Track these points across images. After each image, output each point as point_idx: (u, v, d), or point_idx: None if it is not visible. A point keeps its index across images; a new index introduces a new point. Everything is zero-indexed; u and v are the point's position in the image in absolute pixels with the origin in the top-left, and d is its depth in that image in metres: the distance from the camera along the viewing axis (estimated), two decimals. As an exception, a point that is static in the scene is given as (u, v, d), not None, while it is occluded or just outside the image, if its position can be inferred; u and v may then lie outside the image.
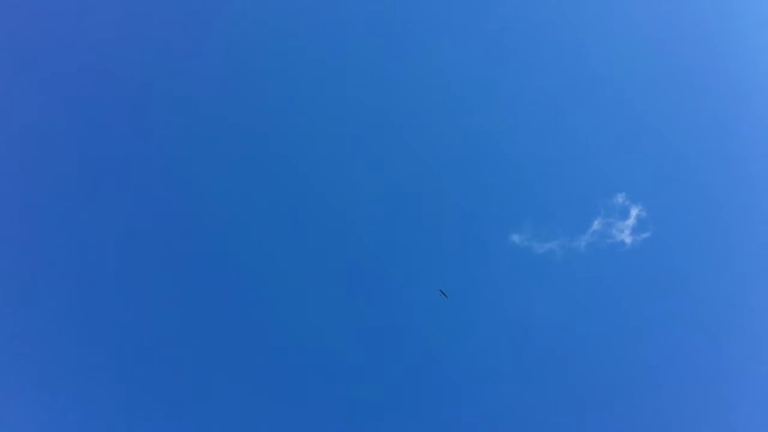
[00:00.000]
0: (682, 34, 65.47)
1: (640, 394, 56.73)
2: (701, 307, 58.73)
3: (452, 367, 58.44)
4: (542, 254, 61.04)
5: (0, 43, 60.40)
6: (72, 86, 61.66)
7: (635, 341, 58.49)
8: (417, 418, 55.94)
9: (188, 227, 61.04)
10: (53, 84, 61.26)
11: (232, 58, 65.56)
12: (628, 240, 60.44)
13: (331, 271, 61.49)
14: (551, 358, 58.48)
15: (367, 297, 60.77)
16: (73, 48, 62.15)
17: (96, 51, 62.50)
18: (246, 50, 66.15)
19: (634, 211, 60.82)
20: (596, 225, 61.13)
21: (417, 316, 60.12)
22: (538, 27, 67.61)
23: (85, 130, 61.37)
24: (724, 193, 61.78)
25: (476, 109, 66.63)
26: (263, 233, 62.53)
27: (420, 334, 59.52)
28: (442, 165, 66.21)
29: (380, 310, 60.14)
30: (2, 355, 53.24)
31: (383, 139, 66.56)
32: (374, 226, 63.44)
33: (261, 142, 64.91)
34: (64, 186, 59.85)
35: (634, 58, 66.02)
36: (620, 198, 61.38)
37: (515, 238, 61.67)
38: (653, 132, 64.12)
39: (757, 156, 61.13)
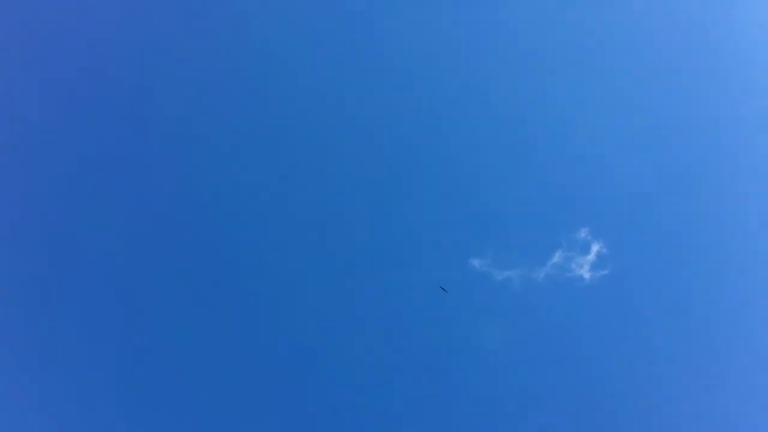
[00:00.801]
0: (648, 67, 60.77)
1: (592, 429, 57.92)
2: (652, 352, 58.48)
3: (403, 392, 59.97)
4: (500, 281, 61.47)
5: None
6: (71, 86, 63.53)
7: (585, 376, 59.28)
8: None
9: (187, 227, 63.01)
10: (52, 84, 63.25)
11: (231, 58, 65.94)
12: (586, 275, 59.80)
13: (282, 290, 62.88)
14: (501, 384, 60.07)
15: (325, 318, 62.20)
16: (72, 48, 63.75)
17: (95, 51, 63.84)
18: (245, 51, 66.48)
19: (595, 248, 59.78)
20: (557, 257, 60.52)
21: (371, 338, 62.03)
22: (505, 57, 64.01)
23: (85, 131, 63.36)
24: (688, 238, 59.65)
25: (443, 133, 65.36)
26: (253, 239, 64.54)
27: (372, 357, 61.05)
28: (408, 185, 66.43)
29: (335, 332, 61.84)
30: (2, 355, 58.08)
31: (348, 159, 66.64)
32: (333, 245, 64.36)
33: (256, 143, 66.15)
34: (64, 186, 62.41)
35: (603, 91, 62.20)
36: (583, 233, 60.16)
37: (475, 262, 62.05)
38: (621, 171, 61.29)
39: (722, 200, 57.92)
